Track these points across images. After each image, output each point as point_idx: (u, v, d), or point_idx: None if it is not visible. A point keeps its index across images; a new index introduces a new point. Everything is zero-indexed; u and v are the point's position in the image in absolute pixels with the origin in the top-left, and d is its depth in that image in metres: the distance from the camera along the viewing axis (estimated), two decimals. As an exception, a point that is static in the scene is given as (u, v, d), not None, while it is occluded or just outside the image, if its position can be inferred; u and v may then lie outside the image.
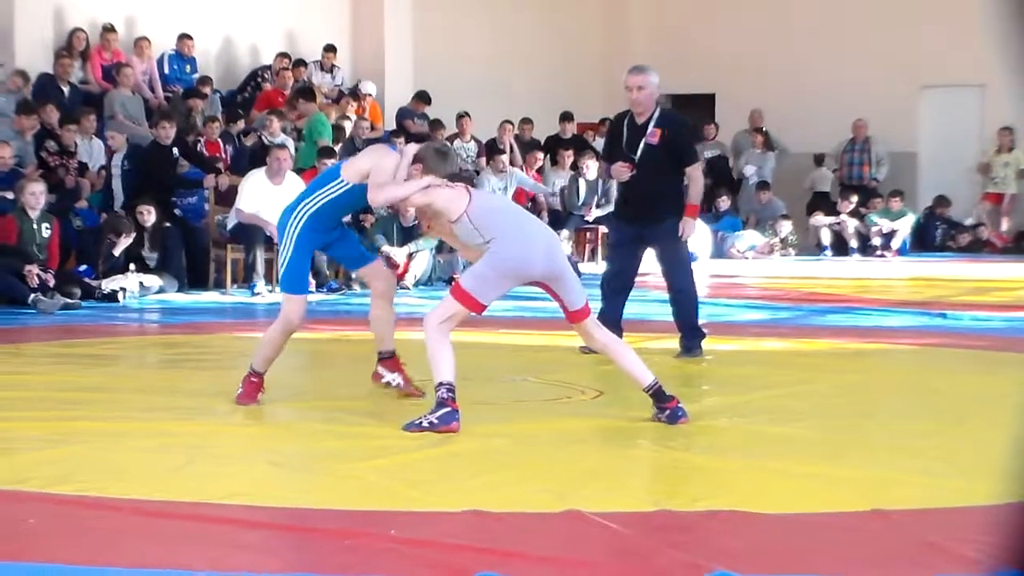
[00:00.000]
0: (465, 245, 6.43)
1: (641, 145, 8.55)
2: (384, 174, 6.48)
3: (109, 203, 13.87)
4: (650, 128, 8.56)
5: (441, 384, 6.10)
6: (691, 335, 8.78)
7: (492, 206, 6.48)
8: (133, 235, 12.72)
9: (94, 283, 12.35)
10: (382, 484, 5.10)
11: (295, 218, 6.75)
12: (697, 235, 17.84)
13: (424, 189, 6.33)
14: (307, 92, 15.82)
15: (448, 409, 6.06)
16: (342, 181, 6.69)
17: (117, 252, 12.60)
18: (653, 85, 8.69)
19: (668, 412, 6.28)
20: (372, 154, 6.79)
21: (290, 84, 16.72)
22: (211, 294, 13.39)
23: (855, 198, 19.86)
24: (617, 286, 8.82)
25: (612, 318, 8.32)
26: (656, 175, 8.48)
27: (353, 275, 7.25)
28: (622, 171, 8.59)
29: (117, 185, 14.11)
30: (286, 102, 16.14)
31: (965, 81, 21.01)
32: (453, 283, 6.23)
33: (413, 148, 6.60)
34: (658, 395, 6.30)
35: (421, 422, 6.07)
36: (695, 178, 8.65)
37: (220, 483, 5.13)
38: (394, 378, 7.01)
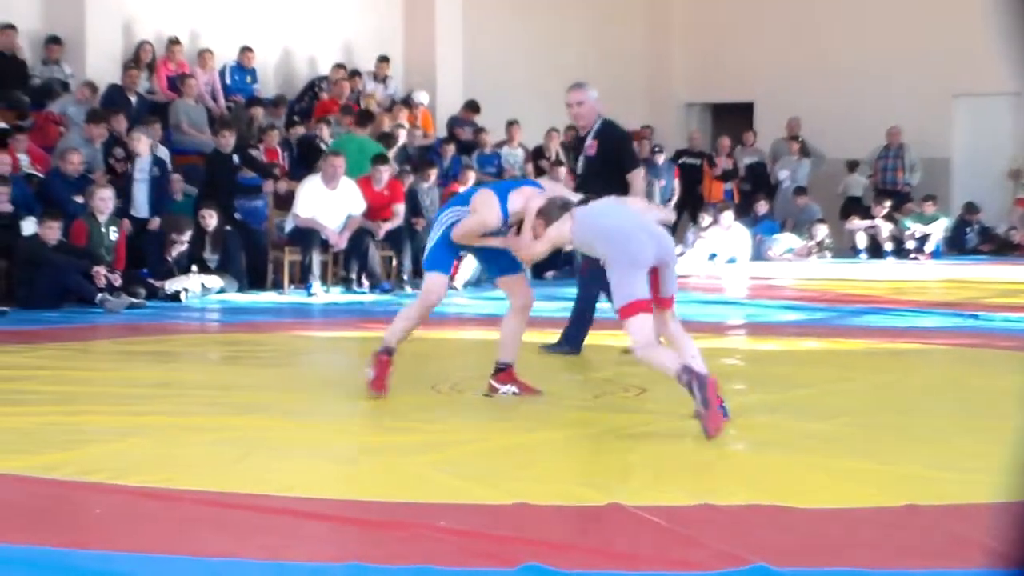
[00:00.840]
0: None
1: (582, 157, 8.59)
2: (475, 219, 6.68)
3: (127, 212, 13.11)
4: (588, 141, 8.58)
5: (681, 372, 5.86)
6: (564, 340, 8.72)
7: (588, 225, 6.43)
8: (189, 233, 12.76)
9: (158, 284, 12.43)
10: (432, 477, 5.09)
11: (441, 222, 6.95)
12: (738, 239, 17.81)
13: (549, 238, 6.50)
14: (365, 116, 15.72)
15: (702, 378, 5.84)
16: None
17: (174, 254, 12.65)
18: (592, 100, 8.73)
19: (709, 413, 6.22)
20: (522, 198, 6.75)
21: (346, 94, 16.76)
22: (269, 294, 13.44)
23: (889, 203, 19.72)
24: (582, 305, 8.87)
25: (571, 335, 8.62)
26: (598, 185, 8.36)
27: (494, 283, 7.21)
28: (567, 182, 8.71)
29: (141, 192, 13.37)
30: (340, 109, 16.16)
31: (998, 89, 20.82)
32: (619, 312, 6.15)
33: (537, 203, 6.59)
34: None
35: (698, 410, 5.86)
36: (634, 185, 8.56)
37: (277, 476, 5.14)
38: (508, 389, 6.94)
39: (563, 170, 16.79)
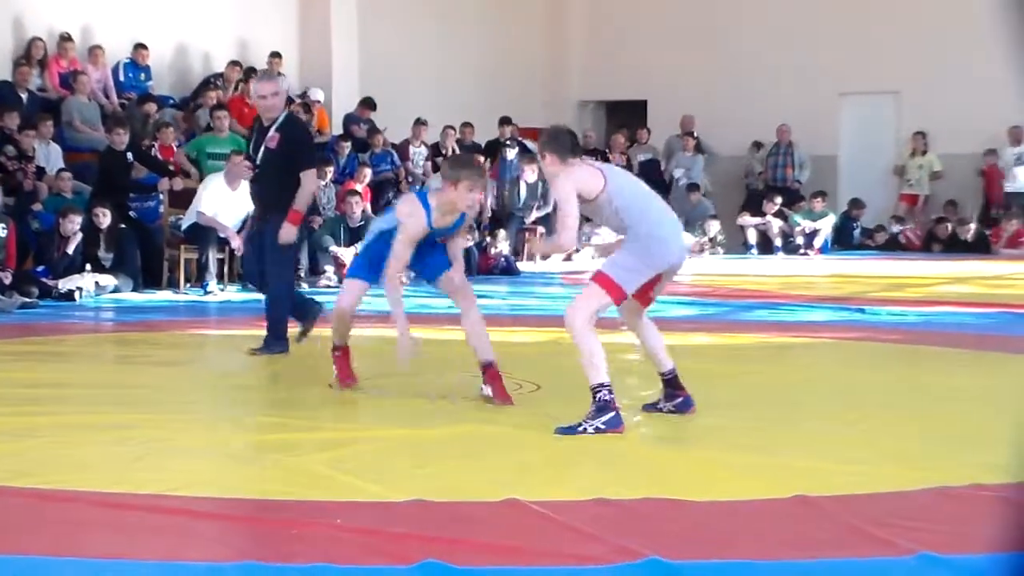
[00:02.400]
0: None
1: (262, 148, 8.54)
2: (400, 240, 6.61)
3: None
4: (271, 132, 8.51)
5: (601, 386, 5.81)
6: (272, 337, 8.64)
7: (634, 191, 6.17)
8: (79, 220, 12.53)
9: (51, 283, 12.23)
10: (329, 475, 5.07)
11: (370, 232, 7.05)
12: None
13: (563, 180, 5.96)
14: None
15: (612, 413, 5.80)
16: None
17: (70, 245, 12.42)
18: (284, 91, 8.77)
19: (680, 400, 6.32)
20: (400, 208, 6.83)
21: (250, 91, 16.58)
22: (165, 293, 13.28)
23: (779, 199, 19.99)
24: (260, 283, 8.95)
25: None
26: (274, 177, 8.46)
27: (435, 286, 7.12)
28: (243, 169, 8.67)
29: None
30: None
31: (881, 88, 21.25)
32: (596, 273, 5.99)
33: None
34: (673, 383, 6.34)
35: (585, 428, 5.79)
36: (304, 183, 8.54)
37: (175, 475, 5.09)
38: (486, 389, 6.77)
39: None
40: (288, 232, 8.43)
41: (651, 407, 6.42)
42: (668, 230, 6.17)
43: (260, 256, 8.77)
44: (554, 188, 6.16)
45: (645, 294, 6.21)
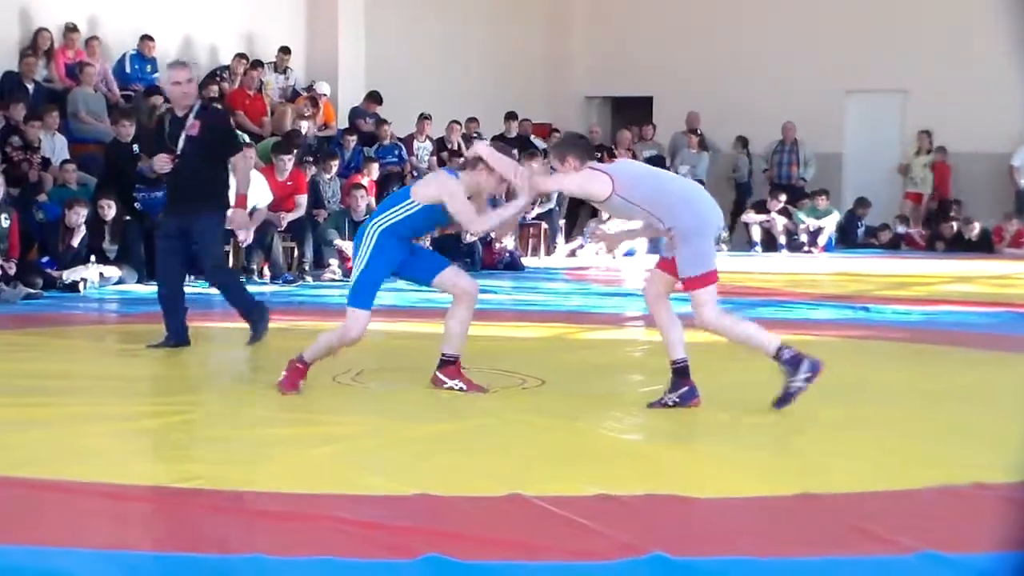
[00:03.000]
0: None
1: (182, 138, 8.40)
2: (460, 200, 6.58)
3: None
4: (190, 120, 8.43)
5: (780, 348, 6.28)
6: (255, 317, 8.52)
7: (644, 180, 6.45)
8: (85, 213, 12.52)
9: (56, 274, 12.23)
10: (333, 469, 5.07)
11: (368, 236, 6.69)
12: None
13: (553, 179, 6.50)
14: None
15: (809, 360, 6.27)
16: (413, 201, 6.68)
17: (75, 237, 12.42)
18: (196, 79, 8.76)
19: (685, 390, 6.40)
20: (437, 181, 6.83)
21: (254, 84, 16.58)
22: (169, 285, 13.25)
23: (784, 197, 19.97)
24: (166, 292, 8.63)
25: (174, 327, 8.44)
26: (199, 167, 8.33)
27: (436, 288, 7.07)
28: (164, 162, 8.48)
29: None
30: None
31: (888, 87, 21.22)
32: (685, 282, 6.33)
33: (538, 164, 6.70)
34: (681, 371, 6.42)
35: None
36: (240, 168, 8.51)
37: (177, 467, 5.09)
38: (455, 384, 6.82)
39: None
40: (240, 218, 8.38)
41: (656, 404, 6.41)
42: (693, 195, 6.49)
43: (182, 253, 8.61)
44: (562, 183, 6.34)
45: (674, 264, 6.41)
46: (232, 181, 8.58)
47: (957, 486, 4.88)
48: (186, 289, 8.82)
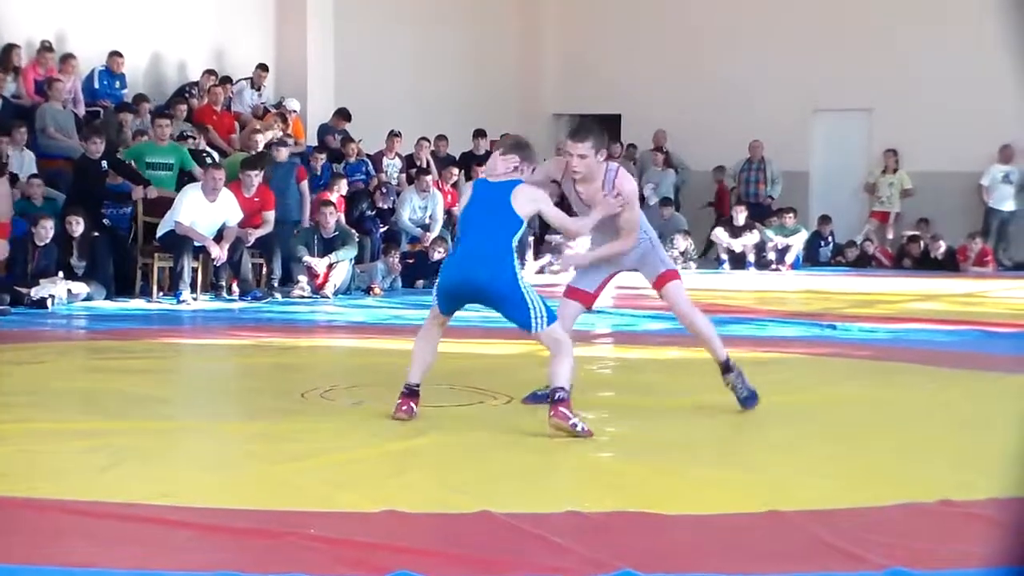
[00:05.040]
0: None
1: None
2: (544, 200, 6.55)
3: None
4: None
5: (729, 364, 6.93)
6: None
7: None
8: (51, 224, 12.45)
9: (23, 290, 12.15)
10: (302, 485, 5.06)
11: (509, 261, 6.38)
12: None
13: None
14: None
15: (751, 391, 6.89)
16: (521, 220, 6.38)
17: (40, 249, 12.35)
18: None
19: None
20: (529, 191, 6.48)
21: (221, 100, 16.56)
22: (138, 301, 13.22)
23: (744, 211, 20.04)
24: None
25: None
26: None
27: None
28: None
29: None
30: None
31: (854, 105, 21.37)
32: (665, 275, 6.88)
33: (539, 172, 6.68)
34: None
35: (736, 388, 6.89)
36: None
37: (146, 484, 5.06)
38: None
39: (429, 178, 16.78)
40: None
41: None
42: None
43: None
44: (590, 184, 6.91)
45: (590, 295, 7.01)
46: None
47: (924, 503, 4.90)
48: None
